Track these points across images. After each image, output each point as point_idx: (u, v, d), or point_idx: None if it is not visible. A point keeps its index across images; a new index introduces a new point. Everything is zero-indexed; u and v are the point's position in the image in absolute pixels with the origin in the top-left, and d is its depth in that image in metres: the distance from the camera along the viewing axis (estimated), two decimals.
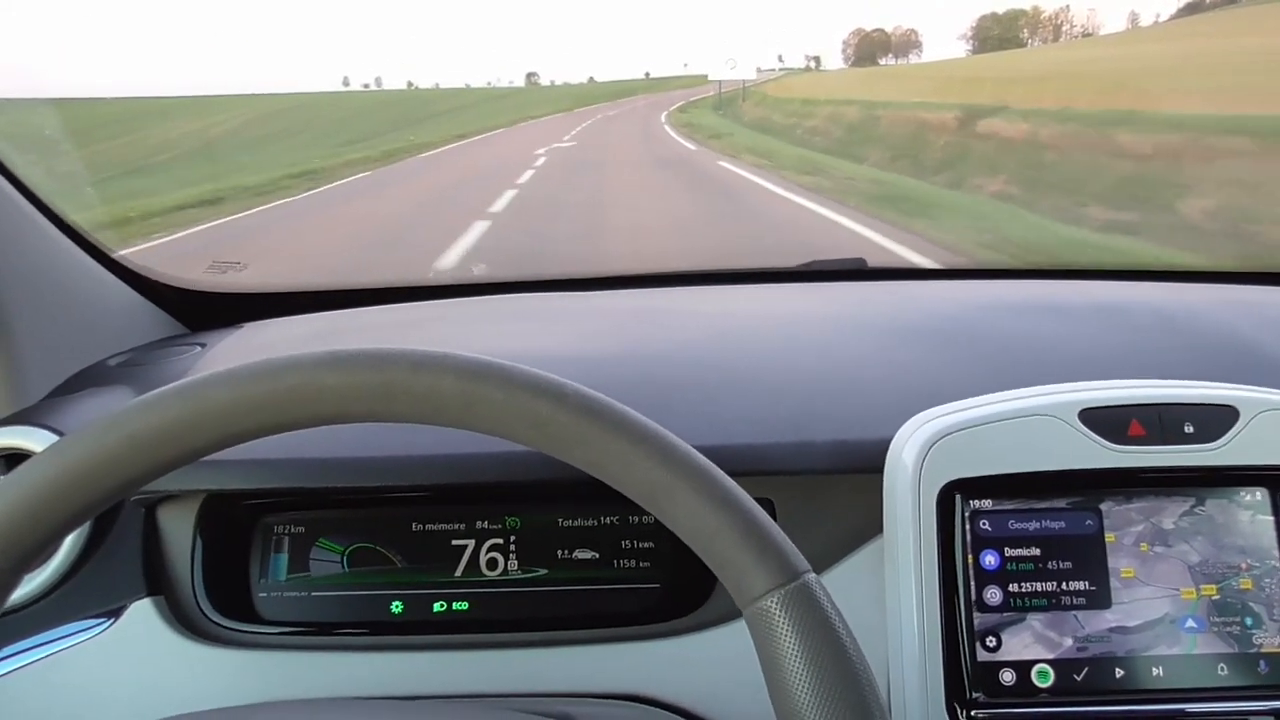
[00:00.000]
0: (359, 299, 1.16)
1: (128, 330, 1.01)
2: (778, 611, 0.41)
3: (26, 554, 0.44)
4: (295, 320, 1.07)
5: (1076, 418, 0.67)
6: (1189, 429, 0.67)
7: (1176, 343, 0.89)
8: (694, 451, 0.45)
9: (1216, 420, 0.67)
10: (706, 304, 1.09)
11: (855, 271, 1.25)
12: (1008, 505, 0.67)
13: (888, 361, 0.85)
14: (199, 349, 0.97)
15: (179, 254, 5.97)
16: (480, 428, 0.45)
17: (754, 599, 0.42)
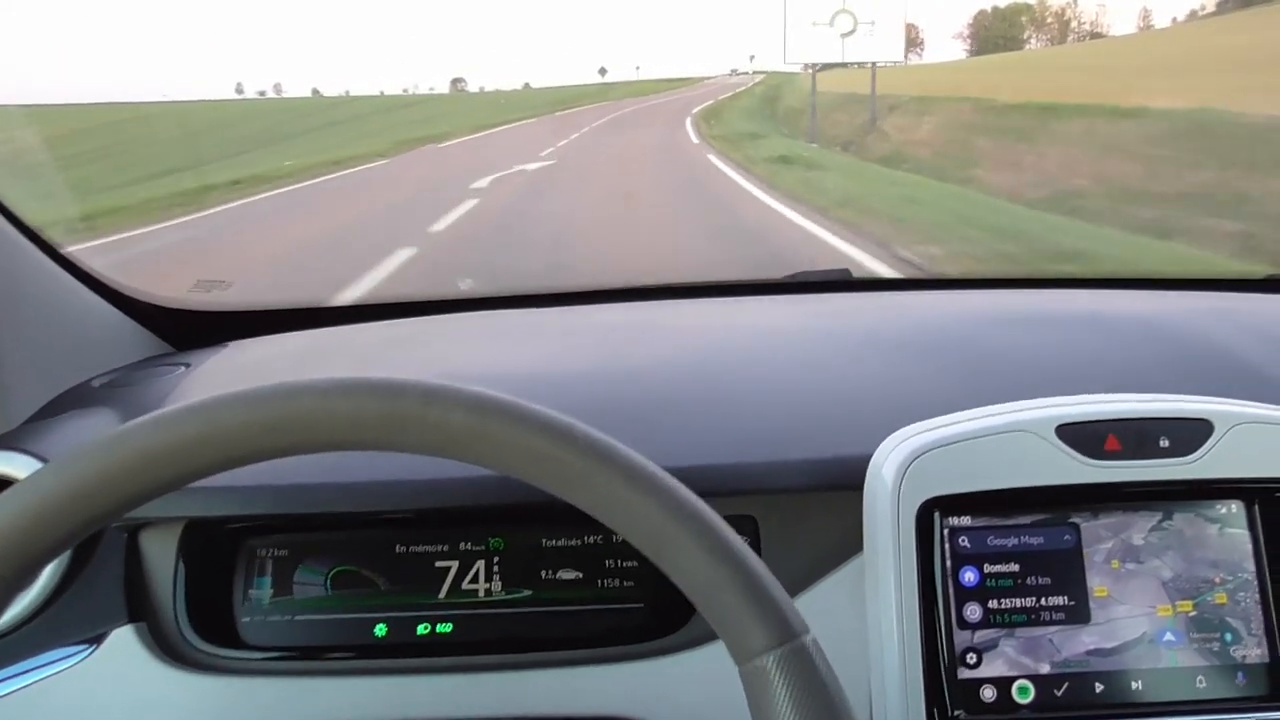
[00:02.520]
0: (343, 316, 1.15)
1: (111, 350, 1.00)
2: (774, 671, 0.42)
3: (29, 564, 0.44)
4: (279, 339, 1.07)
5: (1053, 433, 0.67)
6: (1164, 443, 0.67)
7: (1156, 352, 0.90)
8: (699, 502, 0.45)
9: (1192, 434, 0.67)
10: (690, 318, 1.10)
11: (840, 283, 1.26)
12: (986, 522, 0.67)
13: (869, 375, 0.85)
14: (184, 369, 0.96)
15: None
16: (487, 463, 0.45)
17: (750, 657, 0.42)
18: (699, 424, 0.77)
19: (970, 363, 0.88)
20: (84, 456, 0.44)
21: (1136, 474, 0.67)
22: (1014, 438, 0.67)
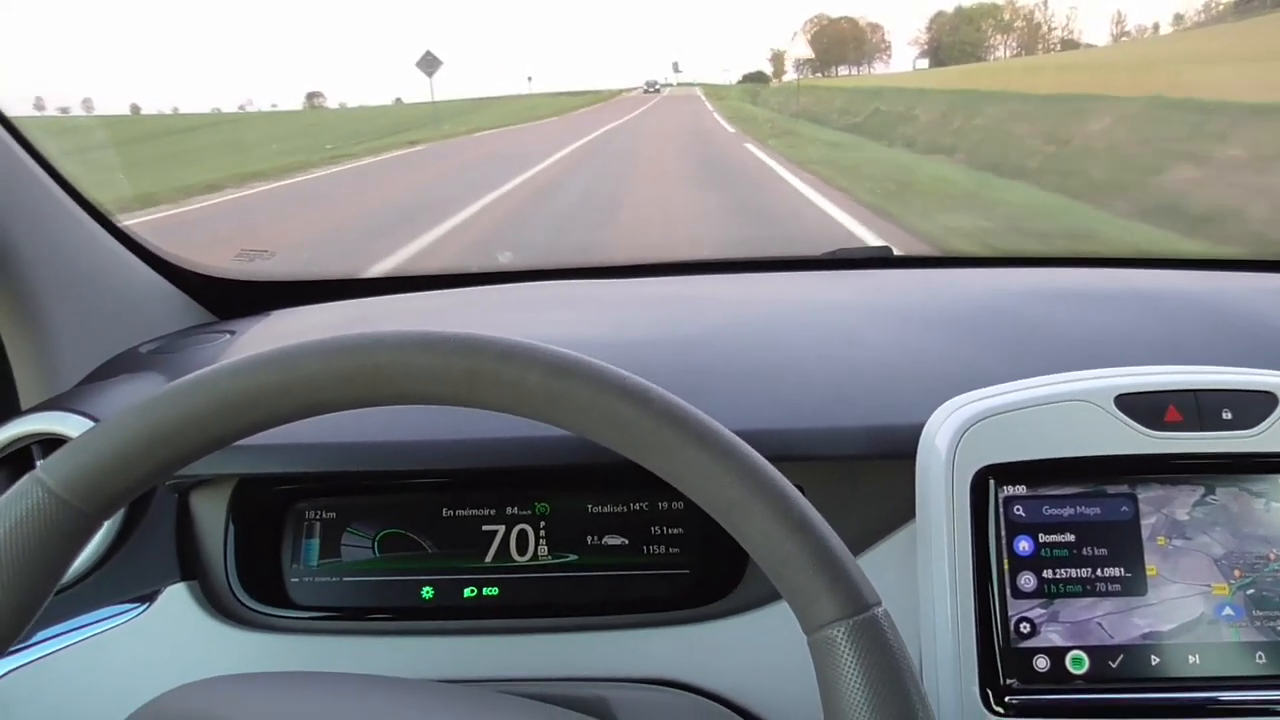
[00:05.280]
0: (386, 287, 1.16)
1: (158, 317, 1.02)
2: (843, 642, 0.41)
3: (111, 501, 0.45)
4: (323, 308, 1.08)
5: (1112, 403, 0.66)
6: (1227, 415, 0.66)
7: (1212, 330, 0.88)
8: (772, 469, 0.44)
9: (1255, 407, 0.66)
10: (736, 291, 1.09)
11: (883, 259, 1.24)
12: (1042, 491, 0.66)
13: (919, 348, 0.84)
14: (228, 336, 0.97)
15: None
16: (561, 423, 0.45)
17: (819, 626, 0.42)
18: (749, 392, 0.76)
19: (1018, 338, 0.87)
20: (166, 400, 0.45)
21: (1198, 445, 0.65)
22: (1072, 407, 0.66)
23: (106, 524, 0.73)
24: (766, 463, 0.44)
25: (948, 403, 0.70)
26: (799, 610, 0.43)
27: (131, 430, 0.44)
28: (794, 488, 0.44)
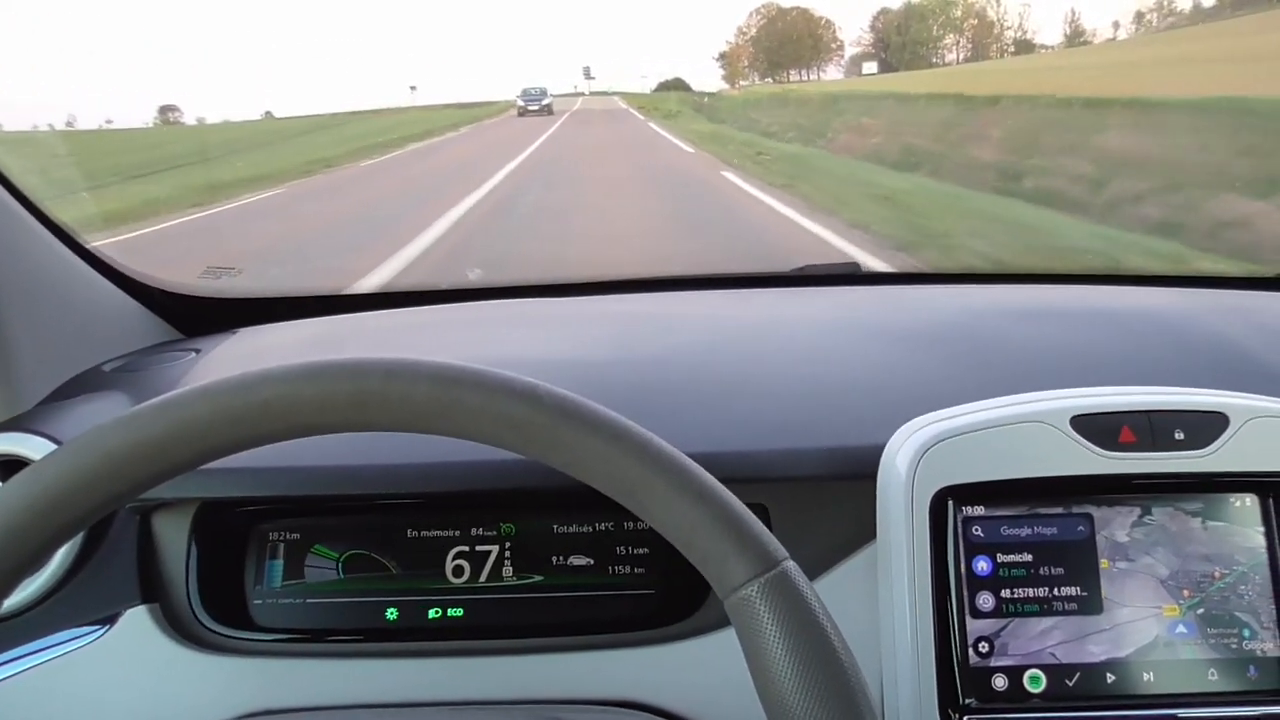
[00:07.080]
0: (353, 304, 1.16)
1: (123, 335, 1.01)
2: (758, 600, 0.42)
3: (9, 576, 0.44)
4: (289, 326, 1.07)
5: (1068, 424, 0.67)
6: (1180, 435, 0.67)
7: (1170, 348, 0.90)
8: (669, 447, 0.45)
9: (1207, 427, 0.67)
10: (700, 309, 1.10)
11: (849, 276, 1.25)
12: (1000, 511, 0.67)
13: (881, 367, 0.85)
14: (194, 354, 0.97)
15: None
16: (456, 433, 0.46)
17: (734, 588, 0.43)
18: (712, 412, 0.77)
19: (981, 355, 0.88)
20: (52, 463, 0.44)
21: (1151, 465, 0.67)
22: (1029, 428, 0.67)
23: (65, 546, 0.72)
24: (662, 441, 0.45)
25: (908, 424, 0.71)
26: (712, 577, 0.44)
27: (20, 501, 0.43)
28: (692, 461, 0.45)
